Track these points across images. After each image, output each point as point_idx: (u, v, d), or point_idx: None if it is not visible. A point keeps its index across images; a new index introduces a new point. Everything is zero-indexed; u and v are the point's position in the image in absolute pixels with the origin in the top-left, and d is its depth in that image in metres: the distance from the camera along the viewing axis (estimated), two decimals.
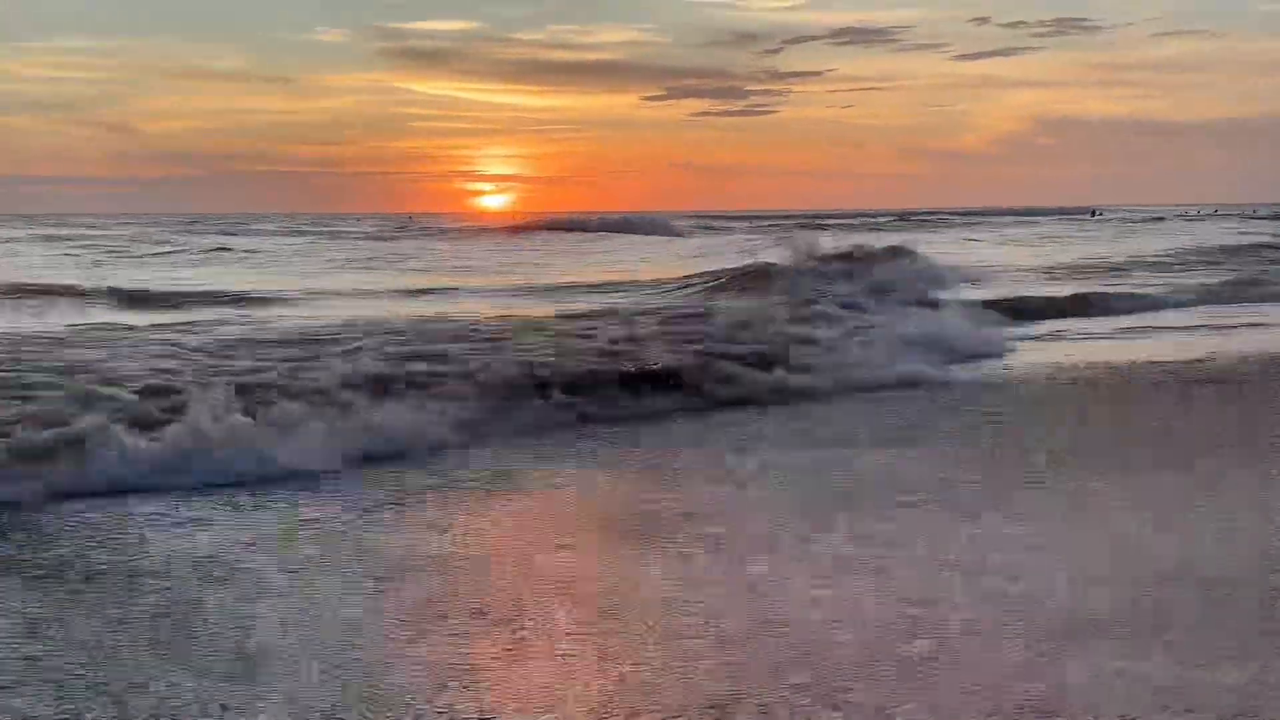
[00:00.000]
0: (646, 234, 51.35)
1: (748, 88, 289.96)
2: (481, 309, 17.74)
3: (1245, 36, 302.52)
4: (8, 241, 45.58)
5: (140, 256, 35.97)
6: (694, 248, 40.48)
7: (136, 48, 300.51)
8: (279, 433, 8.15)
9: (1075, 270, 27.57)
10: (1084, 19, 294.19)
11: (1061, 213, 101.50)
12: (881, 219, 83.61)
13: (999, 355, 13.75)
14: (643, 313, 15.74)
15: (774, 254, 20.38)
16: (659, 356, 11.39)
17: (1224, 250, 33.22)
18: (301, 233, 58.57)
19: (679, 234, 53.28)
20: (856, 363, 12.20)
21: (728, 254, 29.75)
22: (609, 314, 15.46)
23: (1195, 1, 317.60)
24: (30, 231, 56.47)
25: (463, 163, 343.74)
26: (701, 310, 15.81)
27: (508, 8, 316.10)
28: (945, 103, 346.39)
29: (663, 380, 10.69)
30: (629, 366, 10.94)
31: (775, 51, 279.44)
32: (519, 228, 59.49)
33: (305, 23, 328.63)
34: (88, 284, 21.65)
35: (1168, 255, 32.08)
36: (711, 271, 21.25)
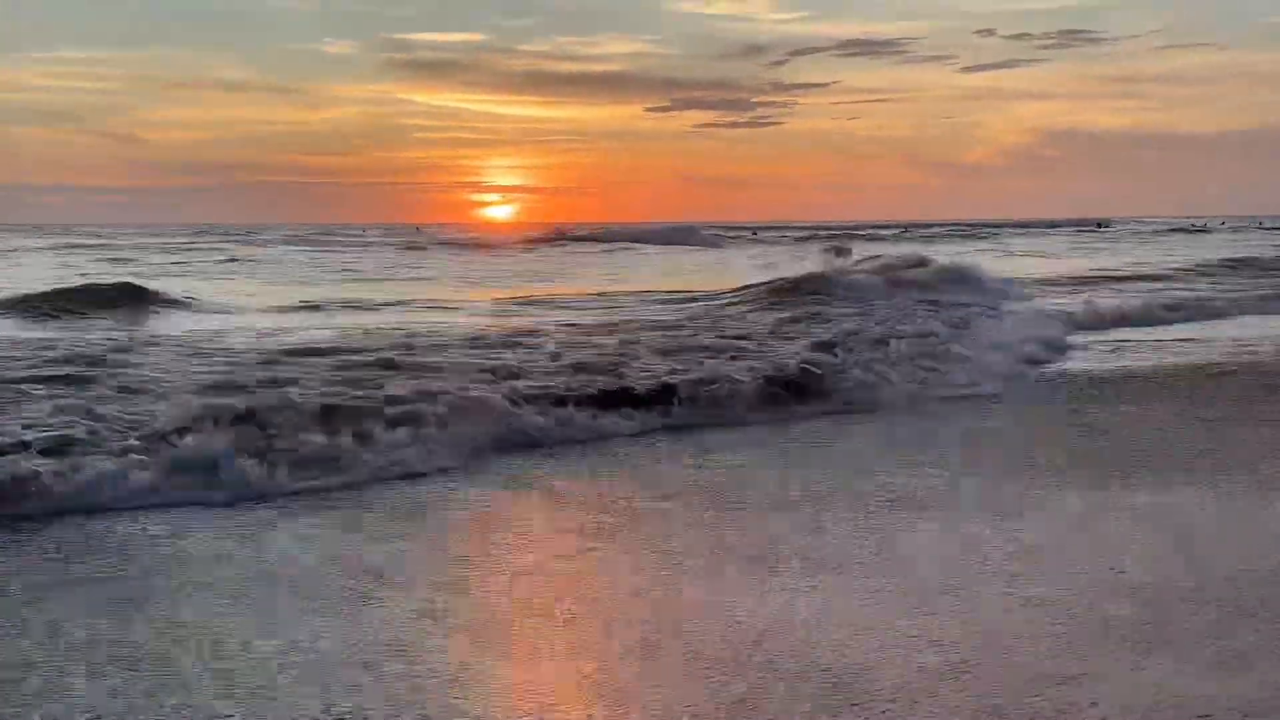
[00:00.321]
0: (677, 244, 50.69)
1: (753, 99, 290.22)
2: (509, 320, 17.58)
3: (1250, 48, 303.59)
4: (14, 250, 45.40)
5: (147, 265, 35.69)
6: (723, 258, 40.42)
7: (143, 58, 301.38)
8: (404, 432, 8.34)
9: (1107, 279, 27.54)
10: (1089, 31, 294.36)
11: (1069, 224, 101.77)
12: (887, 231, 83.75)
13: (1067, 359, 13.78)
14: (714, 321, 15.87)
15: (821, 263, 20.27)
16: (758, 364, 11.32)
17: (1251, 261, 33.21)
18: (314, 242, 58.43)
19: (715, 245, 52.47)
20: (944, 371, 12.13)
21: (758, 267, 29.58)
22: (678, 326, 15.49)
23: (1200, 14, 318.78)
24: (38, 241, 56.29)
25: (468, 173, 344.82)
26: (762, 319, 15.85)
27: (513, 19, 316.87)
28: (951, 114, 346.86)
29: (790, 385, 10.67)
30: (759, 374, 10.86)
31: (781, 63, 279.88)
32: (537, 239, 59.12)
33: (312, 34, 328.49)
34: (118, 291, 21.37)
35: (1185, 265, 32.02)
36: (767, 282, 21.01)
